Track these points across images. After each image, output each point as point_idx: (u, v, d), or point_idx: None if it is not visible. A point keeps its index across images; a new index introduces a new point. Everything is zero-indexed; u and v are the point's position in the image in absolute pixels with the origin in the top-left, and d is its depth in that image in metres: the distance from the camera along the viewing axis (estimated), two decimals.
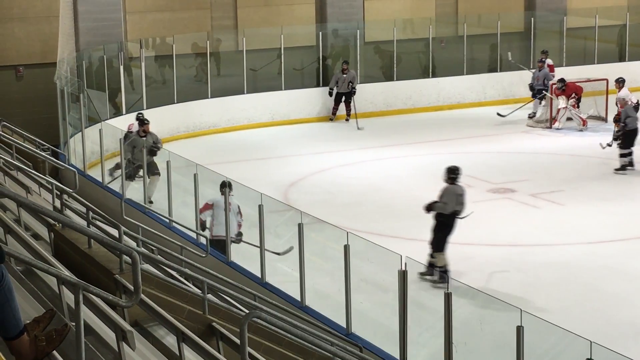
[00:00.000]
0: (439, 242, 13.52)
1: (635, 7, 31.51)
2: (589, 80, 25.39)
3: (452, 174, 13.88)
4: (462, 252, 14.85)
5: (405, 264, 9.94)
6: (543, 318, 8.76)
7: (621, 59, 29.54)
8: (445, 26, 29.25)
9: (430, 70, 26.87)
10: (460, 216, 13.62)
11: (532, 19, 28.56)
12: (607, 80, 24.70)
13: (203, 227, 14.17)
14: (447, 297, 9.26)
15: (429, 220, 14.09)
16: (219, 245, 13.69)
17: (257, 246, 12.86)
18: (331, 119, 24.95)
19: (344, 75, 24.52)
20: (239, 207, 14.00)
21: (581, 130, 23.02)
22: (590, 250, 14.92)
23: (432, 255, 13.50)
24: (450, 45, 28.20)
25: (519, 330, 8.32)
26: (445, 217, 13.58)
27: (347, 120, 24.62)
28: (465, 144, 22.28)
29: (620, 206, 17.11)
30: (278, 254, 13.03)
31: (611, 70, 27.16)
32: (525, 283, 13.57)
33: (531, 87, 24.37)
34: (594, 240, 15.36)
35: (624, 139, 19.37)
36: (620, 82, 21.71)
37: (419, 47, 27.43)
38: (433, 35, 26.96)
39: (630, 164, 19.32)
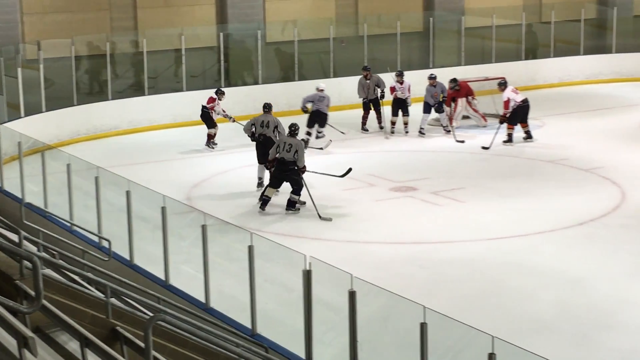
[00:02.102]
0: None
1: (530, 6, 32.14)
2: (487, 79, 25.84)
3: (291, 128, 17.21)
4: (366, 251, 14.97)
5: (310, 263, 9.95)
6: (446, 314, 8.85)
7: (519, 57, 30.07)
8: (345, 26, 29.41)
9: (332, 71, 26.98)
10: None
11: (431, 18, 28.88)
12: (504, 78, 25.10)
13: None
14: (351, 296, 9.30)
15: (335, 220, 14.10)
16: None
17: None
18: (366, 130, 23.64)
19: (368, 81, 23.58)
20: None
21: (484, 127, 23.35)
22: (493, 246, 15.15)
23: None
24: (351, 46, 28.35)
25: (423, 327, 8.40)
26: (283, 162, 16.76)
27: (381, 128, 23.57)
28: (367, 144, 22.45)
29: (520, 202, 17.42)
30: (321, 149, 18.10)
31: (509, 69, 27.72)
32: (429, 280, 13.71)
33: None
34: (496, 236, 15.60)
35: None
36: (501, 85, 22.20)
37: (320, 48, 27.51)
38: (334, 36, 27.07)
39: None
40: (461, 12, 30.29)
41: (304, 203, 17.06)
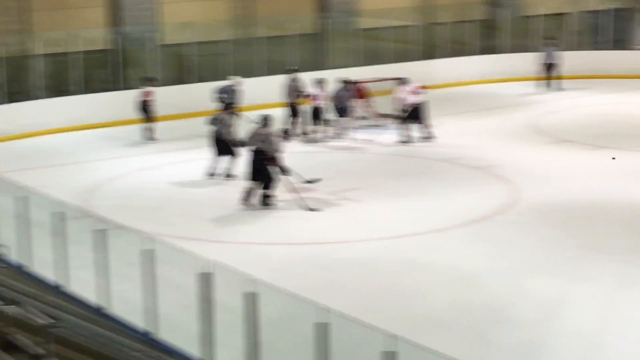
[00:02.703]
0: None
1: (424, 7, 32.56)
2: (383, 80, 26.10)
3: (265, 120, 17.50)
4: (264, 252, 15.01)
5: (209, 266, 9.96)
6: (346, 314, 8.95)
7: (415, 58, 30.46)
8: (241, 28, 29.38)
9: (231, 72, 26.94)
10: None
11: (326, 20, 29.05)
12: (399, 79, 25.42)
13: None
14: (251, 297, 9.34)
15: (231, 221, 14.08)
16: None
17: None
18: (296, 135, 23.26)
19: (295, 84, 23.59)
20: None
21: (382, 127, 23.60)
22: (389, 245, 15.34)
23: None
24: (246, 47, 28.35)
25: (323, 327, 8.48)
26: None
27: (303, 134, 23.54)
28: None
29: (416, 201, 17.67)
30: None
31: (405, 70, 28.01)
32: (328, 280, 13.82)
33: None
34: (392, 235, 15.79)
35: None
36: (401, 84, 22.52)
37: (217, 50, 27.45)
38: (230, 38, 27.03)
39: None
40: (356, 14, 30.55)
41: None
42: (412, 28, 30.62)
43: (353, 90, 23.66)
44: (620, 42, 34.01)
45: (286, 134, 19.08)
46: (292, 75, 23.67)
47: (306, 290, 11.13)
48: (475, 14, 31.62)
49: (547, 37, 30.19)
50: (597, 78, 31.33)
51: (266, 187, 17.35)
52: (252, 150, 17.31)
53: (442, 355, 7.81)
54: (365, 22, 30.13)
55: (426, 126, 22.42)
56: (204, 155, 20.53)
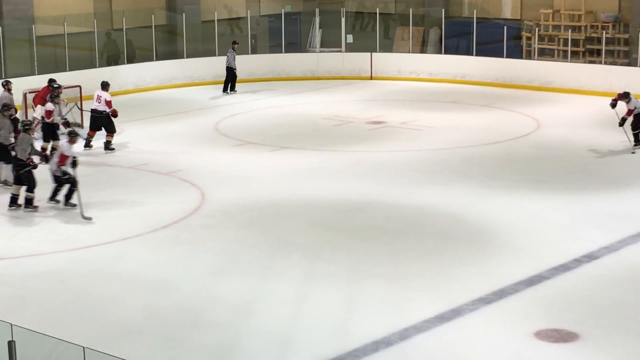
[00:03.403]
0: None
1: (101, 14, 32.22)
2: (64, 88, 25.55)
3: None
4: None
5: None
6: (35, 330, 8.73)
7: (93, 65, 30.07)
8: None
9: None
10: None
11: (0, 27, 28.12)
12: (80, 86, 25.06)
13: None
14: None
15: None
16: None
17: None
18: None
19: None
20: None
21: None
22: (78, 256, 15.07)
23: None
24: None
25: (11, 344, 8.23)
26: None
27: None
28: None
29: (102, 210, 17.43)
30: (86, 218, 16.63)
31: (85, 77, 27.61)
32: (14, 296, 13.38)
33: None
34: (81, 246, 15.53)
35: None
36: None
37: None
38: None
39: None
40: (31, 21, 29.73)
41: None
42: (91, 35, 30.19)
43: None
44: (293, 45, 35.19)
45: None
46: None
47: None
48: (155, 19, 31.64)
49: (233, 41, 30.76)
50: (273, 80, 32.28)
51: (27, 190, 17.49)
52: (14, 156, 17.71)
53: None
54: (42, 29, 29.39)
55: (110, 135, 22.25)
56: None
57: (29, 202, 17.45)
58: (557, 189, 18.61)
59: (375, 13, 33.96)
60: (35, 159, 17.79)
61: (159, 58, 31.80)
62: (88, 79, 27.44)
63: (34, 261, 14.86)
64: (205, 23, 34.03)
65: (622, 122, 21.74)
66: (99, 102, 22.36)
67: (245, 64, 31.30)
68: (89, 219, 16.82)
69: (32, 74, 27.56)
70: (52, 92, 21.91)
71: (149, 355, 11.33)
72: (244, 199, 18.12)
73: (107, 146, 22.27)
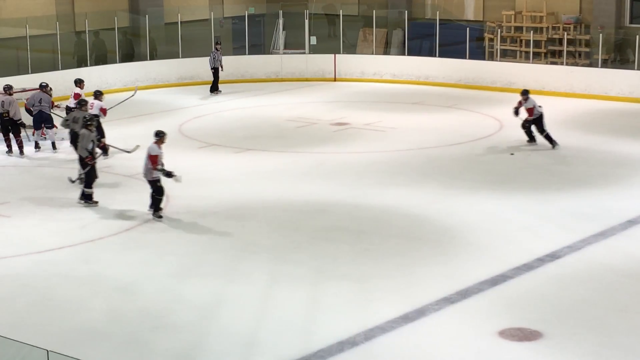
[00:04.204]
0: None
1: (64, 16, 32.05)
2: (24, 90, 25.40)
3: None
4: None
5: None
6: None
7: (55, 67, 29.90)
8: None
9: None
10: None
11: None
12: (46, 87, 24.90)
13: None
14: None
15: None
16: None
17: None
18: None
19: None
20: None
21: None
22: (41, 259, 14.97)
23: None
24: None
25: None
26: None
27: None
28: None
29: (66, 213, 17.35)
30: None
31: (45, 79, 27.44)
32: None
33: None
34: (44, 249, 15.43)
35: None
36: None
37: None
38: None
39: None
40: None
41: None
42: (53, 37, 30.00)
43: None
44: (257, 47, 35.15)
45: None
46: None
47: None
48: (118, 21, 31.49)
49: (216, 42, 30.71)
50: (237, 82, 32.24)
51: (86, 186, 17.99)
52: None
53: None
54: (3, 32, 29.19)
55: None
56: None
57: (88, 197, 17.81)
58: (520, 189, 18.73)
59: (339, 15, 33.99)
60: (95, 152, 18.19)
61: (120, 60, 31.67)
62: (50, 80, 27.28)
63: None
64: (169, 25, 33.90)
65: (527, 124, 22.05)
66: (91, 109, 22.20)
67: (208, 66, 31.20)
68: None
69: None
70: (95, 91, 22.28)
71: (113, 358, 11.28)
72: (208, 201, 18.08)
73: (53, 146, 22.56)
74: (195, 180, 19.52)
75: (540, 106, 22.09)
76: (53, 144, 22.56)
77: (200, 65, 31.60)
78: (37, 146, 22.43)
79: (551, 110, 26.69)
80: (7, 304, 13.18)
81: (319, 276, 14.07)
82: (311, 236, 16.00)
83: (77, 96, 22.47)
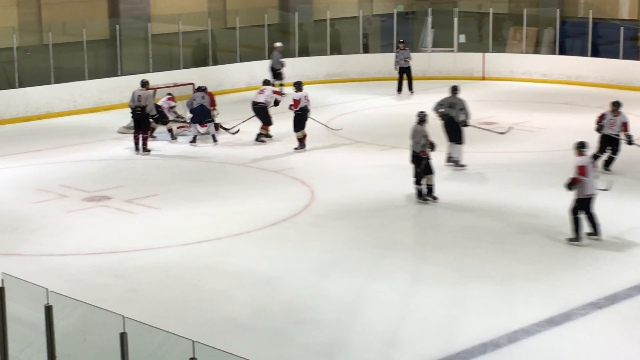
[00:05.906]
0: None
1: (215, 12, 32.61)
2: (176, 85, 25.98)
3: None
4: (60, 263, 14.66)
5: (2, 280, 9.66)
6: (145, 322, 8.86)
7: (206, 63, 30.46)
8: (29, 35, 28.67)
9: (17, 81, 26.23)
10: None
11: (117, 26, 28.67)
12: (193, 84, 25.40)
13: None
14: (48, 311, 9.10)
15: (21, 233, 13.59)
16: None
17: None
18: None
19: None
20: None
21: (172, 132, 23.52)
22: (188, 251, 15.28)
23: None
24: (35, 54, 27.66)
25: (123, 336, 8.37)
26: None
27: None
28: (57, 154, 21.99)
29: (212, 206, 17.67)
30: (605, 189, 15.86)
31: (197, 75, 28.01)
32: (126, 289, 13.63)
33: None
34: (191, 241, 15.74)
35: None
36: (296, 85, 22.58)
37: (3, 57, 26.69)
38: (17, 45, 26.32)
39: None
40: (147, 19, 30.27)
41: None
42: (204, 33, 30.59)
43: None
44: (407, 45, 34.97)
45: None
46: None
47: (104, 301, 10.97)
48: (268, 18, 31.88)
49: (401, 40, 30.57)
50: (385, 80, 32.14)
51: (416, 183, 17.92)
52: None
53: (241, 358, 7.83)
54: (157, 28, 29.88)
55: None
56: None
57: (429, 191, 17.75)
58: None
59: (489, 13, 33.58)
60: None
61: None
62: (200, 76, 27.86)
63: (145, 255, 15.12)
64: (318, 22, 34.12)
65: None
66: (261, 93, 22.79)
67: (356, 63, 31.26)
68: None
69: (147, 71, 28.03)
70: (295, 82, 22.73)
71: (256, 351, 11.42)
72: (352, 198, 18.11)
73: (258, 137, 22.99)
74: (339, 177, 19.60)
75: None
76: (213, 137, 22.98)
77: (348, 62, 31.68)
78: (193, 140, 22.77)
79: None
80: (155, 294, 13.50)
81: (461, 276, 13.93)
82: (453, 235, 15.85)
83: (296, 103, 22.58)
